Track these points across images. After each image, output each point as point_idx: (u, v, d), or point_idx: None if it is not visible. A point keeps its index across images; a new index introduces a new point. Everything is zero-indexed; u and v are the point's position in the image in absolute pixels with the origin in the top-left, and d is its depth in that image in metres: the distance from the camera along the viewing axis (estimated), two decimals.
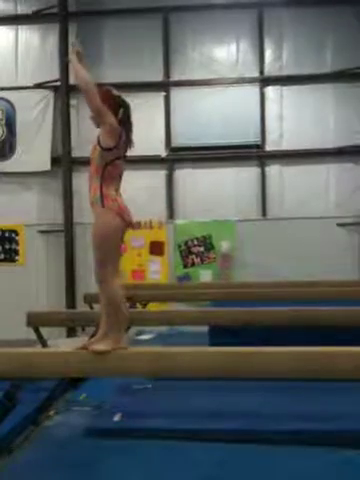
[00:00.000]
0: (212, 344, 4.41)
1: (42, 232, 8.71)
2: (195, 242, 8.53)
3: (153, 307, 6.37)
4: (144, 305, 5.96)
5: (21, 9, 8.89)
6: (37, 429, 3.38)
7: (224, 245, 8.38)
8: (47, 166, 8.65)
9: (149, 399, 3.69)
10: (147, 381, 3.89)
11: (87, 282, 8.36)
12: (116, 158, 2.85)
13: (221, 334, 4.34)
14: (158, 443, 3.00)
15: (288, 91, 8.59)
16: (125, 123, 2.88)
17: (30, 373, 2.67)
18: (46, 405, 3.55)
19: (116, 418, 3.30)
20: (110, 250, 2.75)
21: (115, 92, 2.95)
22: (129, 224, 2.83)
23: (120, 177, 2.94)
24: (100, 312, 2.85)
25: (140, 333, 6.94)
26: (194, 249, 8.54)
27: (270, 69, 8.64)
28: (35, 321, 4.16)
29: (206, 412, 3.41)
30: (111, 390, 3.82)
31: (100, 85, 3.02)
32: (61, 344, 6.30)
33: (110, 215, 2.74)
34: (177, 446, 2.97)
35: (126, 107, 2.92)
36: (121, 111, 2.87)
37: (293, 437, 3.06)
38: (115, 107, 2.87)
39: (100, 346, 2.64)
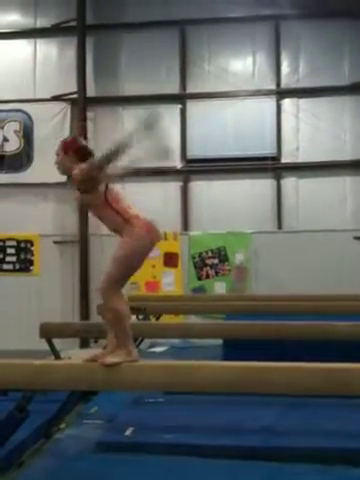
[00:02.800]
0: (226, 358, 4.35)
1: (57, 243, 8.75)
2: (209, 254, 8.48)
3: (167, 319, 6.32)
4: (157, 317, 5.92)
5: (40, 22, 9.04)
6: (48, 442, 3.35)
7: (239, 257, 8.33)
8: (63, 178, 8.69)
9: (161, 413, 3.64)
10: (159, 395, 3.84)
11: None
12: (106, 186, 2.81)
13: (235, 348, 4.27)
14: (170, 458, 2.95)
15: (304, 103, 8.57)
16: (101, 167, 2.80)
17: (42, 385, 2.65)
18: (57, 418, 3.52)
19: (128, 432, 3.25)
20: (132, 269, 2.74)
21: (81, 142, 2.98)
22: (158, 239, 2.79)
23: (122, 195, 2.88)
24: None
25: (153, 345, 6.89)
26: (208, 261, 8.50)
27: (287, 81, 8.63)
28: (48, 333, 4.14)
29: (219, 427, 3.35)
30: (123, 403, 3.78)
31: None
32: (74, 355, 6.29)
33: (141, 233, 2.70)
34: (189, 461, 2.91)
35: (92, 154, 2.89)
36: (91, 159, 2.82)
37: (308, 454, 2.99)
38: (83, 157, 2.84)
39: (111, 359, 2.61)
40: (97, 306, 5.68)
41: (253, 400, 3.57)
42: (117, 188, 2.90)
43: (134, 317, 5.77)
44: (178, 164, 8.70)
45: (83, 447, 3.17)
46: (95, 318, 6.78)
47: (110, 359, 2.61)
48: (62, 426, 3.55)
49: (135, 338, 5.32)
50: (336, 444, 3.06)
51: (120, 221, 2.74)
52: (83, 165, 2.78)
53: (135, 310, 5.40)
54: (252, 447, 3.08)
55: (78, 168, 2.78)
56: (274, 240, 8.31)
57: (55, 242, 8.75)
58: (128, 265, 2.70)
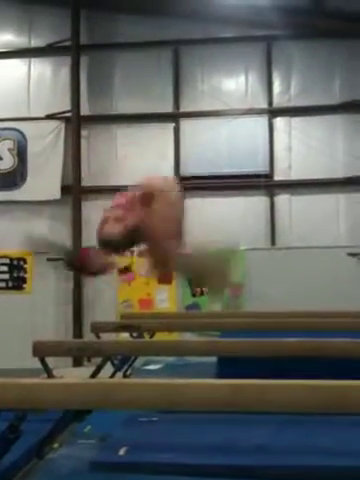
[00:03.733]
0: (220, 375, 4.31)
1: (51, 260, 8.72)
2: None
3: (161, 337, 6.29)
4: (152, 335, 5.88)
5: (34, 42, 9.15)
6: (41, 462, 3.29)
7: (233, 274, 8.32)
8: (57, 195, 8.74)
9: (155, 432, 3.59)
10: (153, 414, 3.80)
11: (94, 311, 8.33)
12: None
13: (230, 365, 4.25)
14: (164, 478, 2.90)
15: (296, 122, 8.69)
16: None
17: (34, 404, 2.61)
18: (50, 437, 3.47)
19: (121, 452, 3.20)
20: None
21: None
22: None
23: None
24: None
25: (148, 363, 6.84)
26: None
27: (279, 100, 8.76)
28: (41, 351, 4.09)
29: (214, 446, 3.31)
30: (117, 423, 3.73)
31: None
32: (67, 374, 6.22)
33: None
34: None
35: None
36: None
37: (303, 472, 2.96)
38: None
39: None
40: (91, 324, 5.63)
41: (248, 418, 3.54)
42: None
43: (128, 335, 5.75)
44: None
45: (76, 467, 3.11)
46: (88, 336, 6.74)
47: None
48: (55, 446, 3.49)
49: (129, 356, 5.29)
50: (332, 462, 3.02)
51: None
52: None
53: (129, 328, 5.37)
54: (247, 466, 3.04)
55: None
56: (268, 257, 8.34)
57: (49, 259, 8.72)
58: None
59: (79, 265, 2.76)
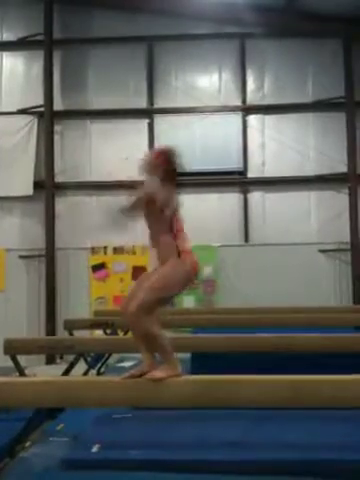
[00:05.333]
0: (194, 372, 4.34)
1: (23, 257, 8.62)
2: None
3: None
4: (126, 332, 5.87)
5: (6, 36, 8.99)
6: (13, 461, 3.26)
7: (207, 270, 8.38)
8: (30, 191, 8.61)
9: (129, 429, 3.59)
10: (127, 411, 3.80)
11: (68, 308, 8.26)
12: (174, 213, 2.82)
13: (203, 361, 4.27)
14: (137, 474, 2.91)
15: (270, 120, 8.76)
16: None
17: (5, 403, 2.59)
18: (22, 436, 3.44)
19: (94, 449, 3.19)
20: (167, 299, 2.80)
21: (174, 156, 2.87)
22: (196, 278, 2.85)
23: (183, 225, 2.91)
24: (134, 343, 2.79)
25: (121, 360, 6.82)
26: None
27: (252, 98, 8.81)
28: (12, 348, 4.05)
29: (188, 442, 3.33)
30: (89, 420, 3.71)
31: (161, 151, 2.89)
32: (39, 372, 6.17)
33: (187, 268, 2.75)
34: (157, 477, 2.88)
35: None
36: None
37: (276, 467, 3.00)
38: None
39: (159, 374, 2.63)
40: (64, 321, 5.59)
41: (221, 414, 3.57)
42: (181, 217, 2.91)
43: (101, 332, 5.72)
44: None
45: (49, 465, 3.09)
46: (61, 333, 6.68)
47: (158, 374, 2.63)
48: (27, 444, 3.46)
49: (102, 353, 5.28)
50: (305, 456, 3.07)
51: (173, 250, 2.76)
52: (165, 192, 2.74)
53: (102, 325, 5.36)
54: (220, 461, 3.07)
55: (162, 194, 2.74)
56: (241, 253, 8.40)
57: (21, 256, 8.61)
58: (165, 295, 2.74)
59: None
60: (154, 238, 2.85)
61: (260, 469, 2.99)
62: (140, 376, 2.67)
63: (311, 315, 5.21)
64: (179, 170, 2.89)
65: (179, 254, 2.77)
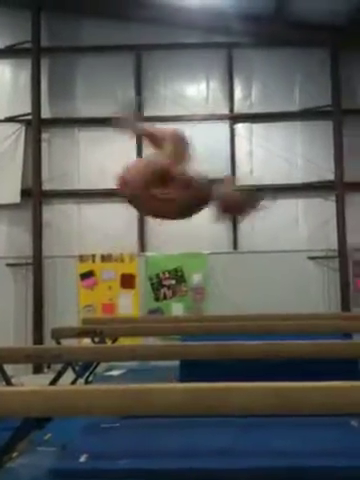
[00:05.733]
0: (182, 379, 4.32)
1: (10, 265, 8.55)
2: (167, 275, 8.50)
3: (124, 342, 6.25)
4: (114, 340, 5.84)
5: None
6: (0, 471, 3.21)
7: (196, 278, 8.38)
8: (17, 199, 8.57)
9: (117, 438, 3.56)
10: (115, 420, 3.77)
11: (56, 316, 8.21)
12: None
13: (192, 369, 4.26)
14: None
15: (257, 128, 8.82)
16: None
17: None
18: (9, 446, 3.39)
19: (82, 459, 3.16)
20: None
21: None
22: None
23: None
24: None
25: (110, 369, 6.78)
26: (166, 282, 8.50)
27: (240, 106, 8.87)
28: None
29: (176, 451, 3.31)
30: (78, 430, 3.68)
31: None
32: (27, 381, 6.10)
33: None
34: None
35: None
36: None
37: (264, 474, 2.99)
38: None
39: None
40: (52, 330, 5.53)
41: (210, 422, 3.55)
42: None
43: (90, 340, 5.68)
44: None
45: (36, 475, 3.05)
46: (49, 342, 6.62)
47: None
48: (14, 455, 3.41)
49: (91, 362, 5.23)
50: (293, 464, 3.07)
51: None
52: None
53: (90, 333, 5.32)
54: (209, 469, 3.05)
55: None
56: (230, 261, 8.42)
57: (8, 265, 8.54)
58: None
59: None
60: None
61: (248, 477, 2.97)
62: None
63: (300, 322, 5.22)
64: None
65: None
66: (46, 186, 8.65)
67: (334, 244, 8.46)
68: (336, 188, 8.54)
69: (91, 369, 5.74)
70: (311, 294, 8.24)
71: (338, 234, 8.46)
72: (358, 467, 2.98)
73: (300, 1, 7.94)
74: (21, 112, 8.65)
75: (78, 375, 4.93)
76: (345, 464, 2.97)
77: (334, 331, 5.05)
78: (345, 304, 8.33)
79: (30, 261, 8.41)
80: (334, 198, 8.60)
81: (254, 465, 3.09)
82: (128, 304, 8.50)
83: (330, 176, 8.56)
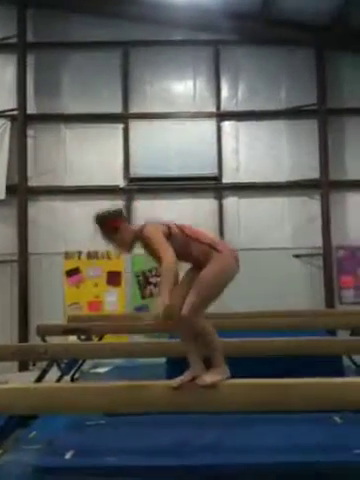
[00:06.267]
0: (169, 376, 4.34)
1: None
2: (153, 272, 8.50)
3: (110, 339, 6.25)
4: (100, 337, 5.84)
5: None
6: None
7: (182, 276, 8.39)
8: (2, 195, 8.49)
9: (102, 435, 3.57)
10: (100, 417, 3.78)
11: (41, 314, 8.16)
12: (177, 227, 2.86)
13: (179, 366, 4.28)
14: None
15: (243, 126, 8.84)
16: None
17: None
18: None
19: (68, 456, 3.17)
20: (219, 291, 2.80)
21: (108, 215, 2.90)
22: (239, 266, 2.91)
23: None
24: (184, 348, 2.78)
25: (96, 366, 6.78)
26: (152, 279, 8.50)
27: (226, 104, 8.89)
28: None
29: (161, 448, 3.33)
30: (63, 427, 3.68)
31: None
32: (12, 379, 6.07)
33: (230, 259, 2.83)
34: None
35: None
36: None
37: (251, 470, 3.03)
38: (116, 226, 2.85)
39: (210, 378, 2.63)
40: (37, 326, 5.51)
41: (196, 419, 3.58)
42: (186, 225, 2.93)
43: (76, 338, 5.67)
44: (121, 183, 8.71)
45: (21, 473, 3.06)
46: (34, 340, 6.59)
47: (210, 378, 2.63)
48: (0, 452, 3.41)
49: (77, 359, 5.23)
50: (279, 459, 3.11)
51: (207, 249, 2.80)
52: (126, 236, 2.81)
53: (76, 330, 5.31)
54: (194, 466, 3.08)
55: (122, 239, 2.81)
56: None
57: None
58: (218, 289, 2.78)
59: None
60: (189, 258, 2.87)
61: (235, 473, 3.01)
62: (192, 380, 2.67)
63: (285, 319, 5.27)
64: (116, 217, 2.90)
65: (216, 250, 2.79)
66: (32, 182, 8.58)
67: (319, 242, 8.53)
68: (321, 187, 8.60)
69: (77, 366, 5.73)
70: (296, 291, 8.29)
71: (323, 232, 8.53)
72: (342, 462, 3.02)
73: (286, 0, 7.97)
74: (7, 108, 8.56)
75: (63, 373, 4.93)
76: (330, 459, 3.01)
77: (317, 328, 5.10)
78: (329, 301, 8.41)
79: (15, 258, 8.35)
80: (319, 196, 8.66)
81: (240, 461, 3.12)
82: (114, 301, 8.49)
83: (315, 175, 8.62)
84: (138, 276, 8.51)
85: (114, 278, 8.51)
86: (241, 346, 3.82)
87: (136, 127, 8.80)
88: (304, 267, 8.57)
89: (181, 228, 2.87)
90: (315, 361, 4.03)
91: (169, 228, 2.83)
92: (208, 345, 2.75)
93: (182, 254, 2.82)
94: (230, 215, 8.73)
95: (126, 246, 2.90)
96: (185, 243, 2.83)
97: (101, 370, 6.64)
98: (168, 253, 2.69)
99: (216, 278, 2.77)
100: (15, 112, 8.48)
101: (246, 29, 8.61)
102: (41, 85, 8.80)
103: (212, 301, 2.81)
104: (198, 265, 2.85)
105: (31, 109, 8.62)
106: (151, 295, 8.50)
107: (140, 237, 2.83)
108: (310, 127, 8.67)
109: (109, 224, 2.84)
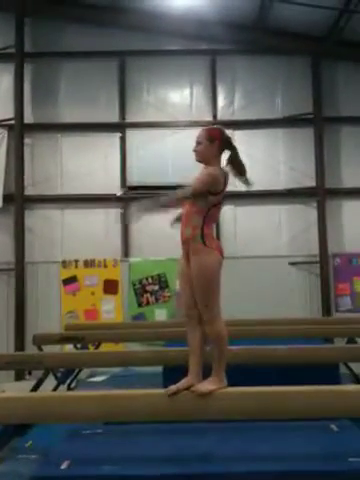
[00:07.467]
0: (166, 385, 4.33)
1: None
2: (150, 280, 8.50)
3: (107, 347, 6.24)
4: (97, 346, 5.82)
5: None
6: None
7: (178, 283, 8.39)
8: None
9: (99, 445, 3.55)
10: (97, 426, 3.76)
11: (38, 323, 8.14)
12: (219, 202, 2.98)
13: (176, 374, 4.27)
14: None
15: (240, 135, 8.87)
16: (233, 164, 3.02)
17: None
18: None
19: (64, 465, 3.15)
20: (217, 289, 2.80)
21: (225, 133, 3.02)
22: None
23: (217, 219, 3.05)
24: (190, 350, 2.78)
25: (92, 375, 6.75)
26: (149, 287, 8.50)
27: (223, 113, 8.94)
28: None
29: (159, 457, 3.31)
30: (59, 436, 3.66)
31: (214, 126, 3.08)
32: (8, 388, 6.04)
33: (213, 254, 2.81)
34: None
35: (234, 149, 3.02)
36: (230, 153, 2.99)
37: (248, 479, 3.01)
38: (224, 147, 2.98)
39: (207, 386, 2.63)
40: (33, 336, 5.49)
41: (192, 428, 3.57)
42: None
43: (72, 346, 5.66)
44: (118, 191, 8.72)
45: None
46: (31, 348, 6.57)
47: (205, 387, 2.63)
48: None
49: (73, 368, 5.21)
50: (275, 468, 3.10)
51: (199, 233, 2.87)
52: (213, 172, 2.93)
53: (73, 339, 5.30)
54: (191, 474, 3.06)
55: (208, 173, 2.95)
56: None
57: None
58: (213, 287, 2.78)
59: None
60: (186, 219, 2.96)
61: None
62: (187, 389, 2.67)
63: (281, 327, 5.27)
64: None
65: (204, 239, 2.83)
66: (28, 191, 8.59)
67: (315, 250, 8.55)
68: (317, 195, 8.64)
69: (73, 375, 5.71)
70: (293, 299, 8.30)
71: (319, 240, 8.55)
72: (339, 471, 3.02)
73: (282, 10, 8.05)
74: (4, 117, 8.59)
75: (59, 382, 4.91)
76: (323, 468, 3.01)
77: (314, 336, 5.10)
78: (326, 309, 8.41)
79: (12, 267, 8.34)
80: (315, 204, 8.70)
81: (236, 470, 3.11)
82: (111, 310, 8.47)
83: (311, 183, 8.66)
84: (135, 284, 8.51)
85: (111, 286, 8.51)
86: (239, 354, 3.82)
87: (133, 136, 8.84)
88: (301, 275, 8.58)
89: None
90: (311, 369, 4.03)
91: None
92: (219, 351, 2.75)
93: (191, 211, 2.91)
94: (227, 223, 8.74)
95: (206, 159, 3.02)
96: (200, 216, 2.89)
97: (98, 379, 6.62)
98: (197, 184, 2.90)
99: (208, 281, 2.79)
100: (12, 121, 8.51)
101: (243, 38, 8.68)
102: (38, 94, 8.84)
103: (217, 300, 2.80)
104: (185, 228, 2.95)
105: (28, 118, 8.65)
106: (148, 303, 8.49)
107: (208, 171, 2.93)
108: (306, 135, 8.73)
109: (215, 132, 2.98)
